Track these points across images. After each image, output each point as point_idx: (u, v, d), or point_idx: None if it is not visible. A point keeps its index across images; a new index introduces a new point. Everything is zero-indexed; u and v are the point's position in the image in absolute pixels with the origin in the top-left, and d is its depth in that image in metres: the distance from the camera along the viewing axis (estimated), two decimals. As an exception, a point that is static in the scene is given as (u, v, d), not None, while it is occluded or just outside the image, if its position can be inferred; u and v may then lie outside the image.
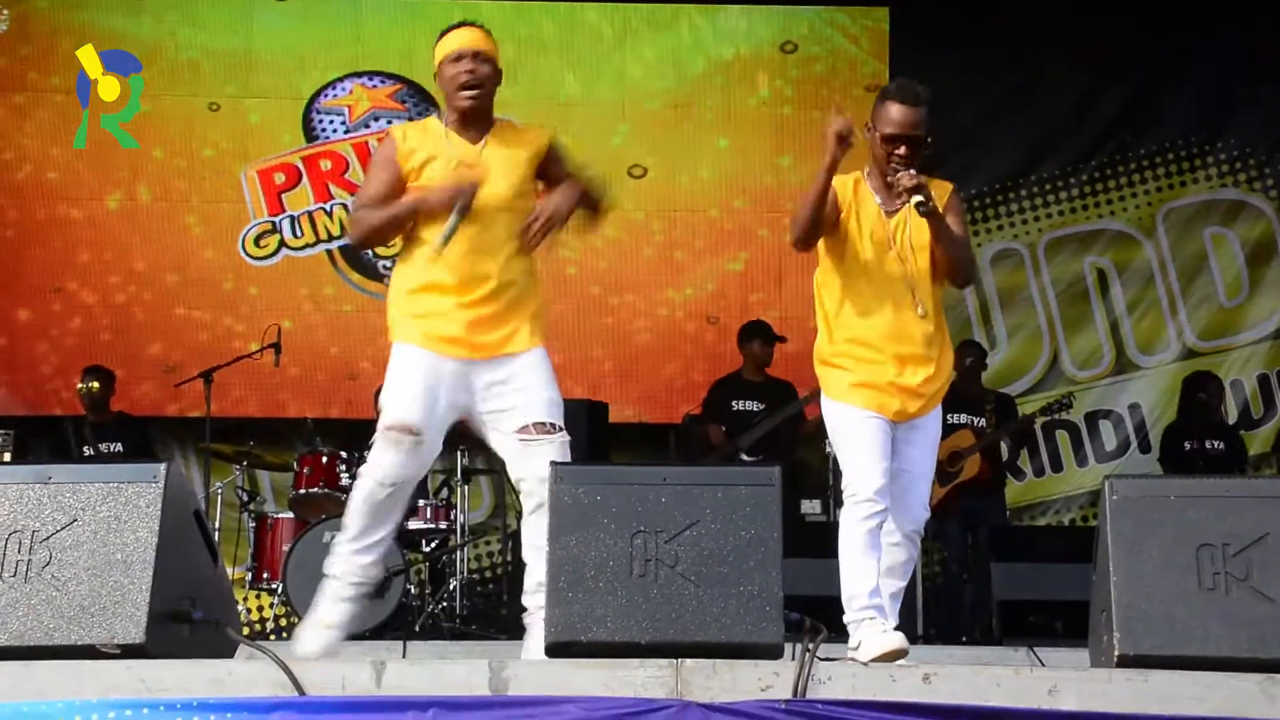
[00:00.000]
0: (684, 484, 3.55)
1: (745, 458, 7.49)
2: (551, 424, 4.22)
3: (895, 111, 4.29)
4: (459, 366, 4.20)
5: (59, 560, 3.39)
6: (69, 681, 3.12)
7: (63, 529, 3.43)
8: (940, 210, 4.23)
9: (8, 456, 7.34)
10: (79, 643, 3.30)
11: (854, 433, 4.22)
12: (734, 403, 7.88)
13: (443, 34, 4.41)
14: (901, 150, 4.27)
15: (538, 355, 4.28)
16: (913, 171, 4.20)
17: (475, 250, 4.22)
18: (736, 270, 9.20)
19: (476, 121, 4.34)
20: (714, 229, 9.27)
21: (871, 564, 4.18)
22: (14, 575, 3.38)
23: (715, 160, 9.31)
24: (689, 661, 3.16)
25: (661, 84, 9.39)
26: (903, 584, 4.36)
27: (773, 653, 3.32)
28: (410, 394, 4.16)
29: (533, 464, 4.13)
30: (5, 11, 9.09)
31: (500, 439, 4.23)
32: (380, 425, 4.17)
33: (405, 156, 4.29)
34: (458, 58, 4.31)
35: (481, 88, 4.31)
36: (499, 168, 4.30)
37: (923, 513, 4.32)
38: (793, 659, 3.21)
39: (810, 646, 3.14)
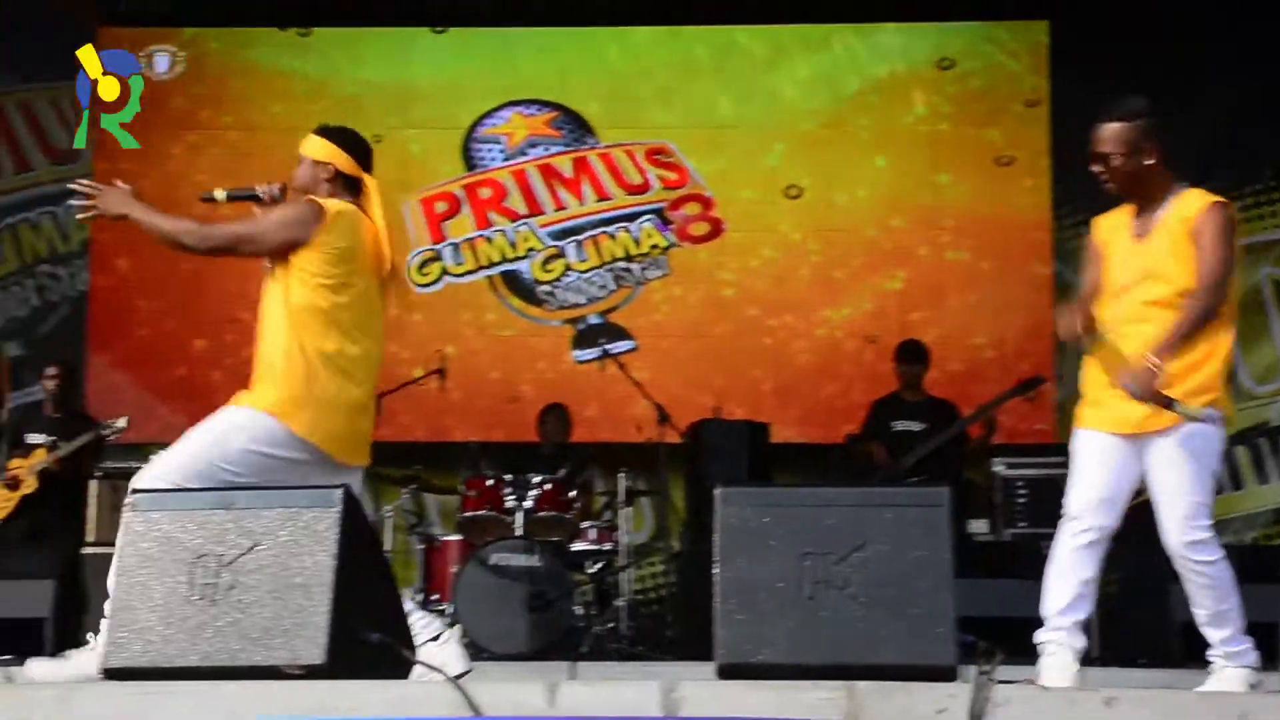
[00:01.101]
0: (852, 505, 3.53)
1: (911, 478, 7.39)
2: None
3: (1094, 129, 4.22)
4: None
5: (243, 584, 3.48)
6: (254, 701, 3.19)
7: (246, 553, 3.53)
8: (1181, 242, 4.12)
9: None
10: (263, 663, 3.38)
11: (1075, 451, 4.23)
12: (894, 423, 7.80)
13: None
14: (1097, 169, 4.20)
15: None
16: (1129, 384, 4.04)
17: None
18: (895, 289, 9.12)
19: None
20: (871, 248, 9.20)
21: (1065, 584, 4.11)
22: (201, 599, 3.48)
23: (872, 179, 9.24)
24: (862, 684, 3.13)
25: (815, 104, 9.36)
26: (1213, 607, 4.20)
27: (947, 675, 3.28)
28: None
29: None
30: (181, 54, 9.42)
31: None
32: None
33: None
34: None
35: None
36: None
37: (1170, 535, 4.13)
38: (968, 682, 3.16)
39: (986, 669, 3.09)
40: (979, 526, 7.40)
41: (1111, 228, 4.32)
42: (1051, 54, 9.14)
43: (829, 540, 3.45)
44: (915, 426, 7.71)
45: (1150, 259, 4.16)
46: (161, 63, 9.48)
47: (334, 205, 4.30)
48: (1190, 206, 4.17)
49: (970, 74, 9.29)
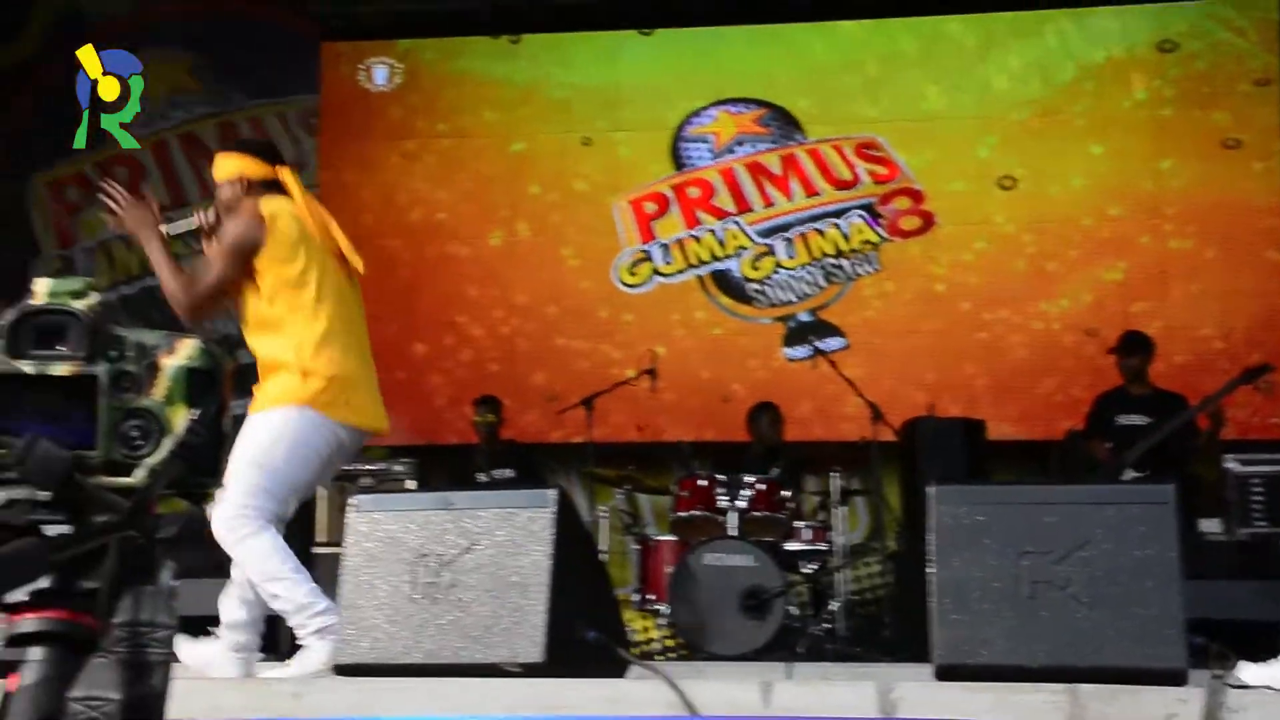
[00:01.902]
0: (1073, 503, 3.44)
1: (1132, 474, 7.16)
2: None
3: None
4: None
5: (462, 583, 3.56)
6: (475, 698, 3.25)
7: (464, 553, 3.60)
8: None
9: (412, 484, 7.74)
10: (483, 661, 3.45)
11: None
12: (1118, 417, 7.56)
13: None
14: None
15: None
16: None
17: None
18: (1115, 280, 8.85)
19: None
20: (1089, 238, 8.94)
21: None
22: (423, 597, 3.57)
23: (1088, 167, 8.99)
24: (1086, 687, 3.05)
25: (1028, 92, 9.14)
26: None
27: (1176, 679, 3.17)
28: None
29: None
30: (399, 65, 9.70)
31: None
32: None
33: None
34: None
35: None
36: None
37: None
38: (1199, 687, 3.04)
39: (1220, 673, 2.98)
40: (1210, 526, 7.11)
41: None
42: (1283, 29, 8.77)
43: (1048, 539, 3.37)
44: (1140, 421, 7.46)
45: None
46: (380, 75, 9.81)
47: (265, 206, 4.37)
48: None
49: (1194, 55, 8.97)
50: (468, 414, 8.65)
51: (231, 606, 4.18)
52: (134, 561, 1.17)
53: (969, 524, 3.43)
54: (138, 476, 1.20)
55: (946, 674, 3.32)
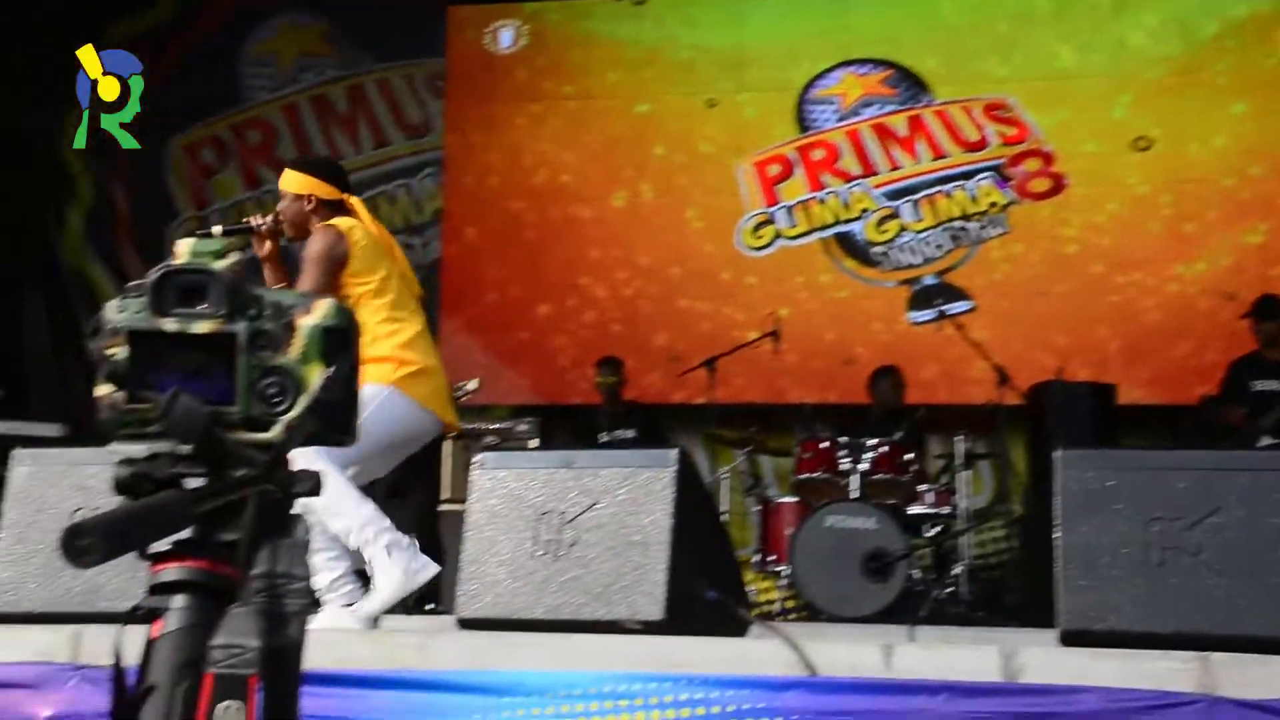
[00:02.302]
0: (1204, 468, 3.38)
1: (1268, 440, 6.99)
2: None
3: None
4: None
5: (584, 540, 3.60)
6: (597, 654, 3.29)
7: (586, 510, 3.64)
8: None
9: (534, 443, 7.83)
10: (604, 618, 3.49)
11: None
12: (1254, 383, 7.39)
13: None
14: None
15: None
16: None
17: None
18: (1256, 242, 8.61)
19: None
20: (1228, 199, 8.71)
21: None
22: (545, 554, 3.62)
23: (1229, 127, 8.74)
24: (1217, 655, 3.00)
25: (1165, 50, 8.91)
26: None
27: (1311, 649, 3.10)
28: None
29: None
30: (524, 27, 9.75)
31: None
32: None
33: None
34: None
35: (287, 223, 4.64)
36: None
37: None
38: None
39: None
40: (1347, 493, 6.91)
41: None
42: None
43: (1179, 505, 3.32)
44: (1277, 386, 7.29)
45: None
46: (505, 37, 9.86)
47: (341, 223, 4.52)
48: None
49: (1346, 8, 8.68)
50: (590, 375, 8.71)
51: (324, 571, 4.27)
52: (271, 515, 1.20)
53: (1097, 489, 3.39)
54: (275, 432, 1.24)
55: (1072, 639, 3.29)
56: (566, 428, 8.77)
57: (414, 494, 7.94)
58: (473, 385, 7.95)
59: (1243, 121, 8.71)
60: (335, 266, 4.46)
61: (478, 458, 3.92)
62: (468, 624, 3.63)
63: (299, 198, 4.61)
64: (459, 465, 7.32)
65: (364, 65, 10.10)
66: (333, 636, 3.51)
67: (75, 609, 3.67)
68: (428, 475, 8.05)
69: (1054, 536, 3.40)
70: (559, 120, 9.60)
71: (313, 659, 3.26)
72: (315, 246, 4.48)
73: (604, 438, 8.29)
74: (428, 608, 6.49)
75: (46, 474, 3.97)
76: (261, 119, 10.14)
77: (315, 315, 1.26)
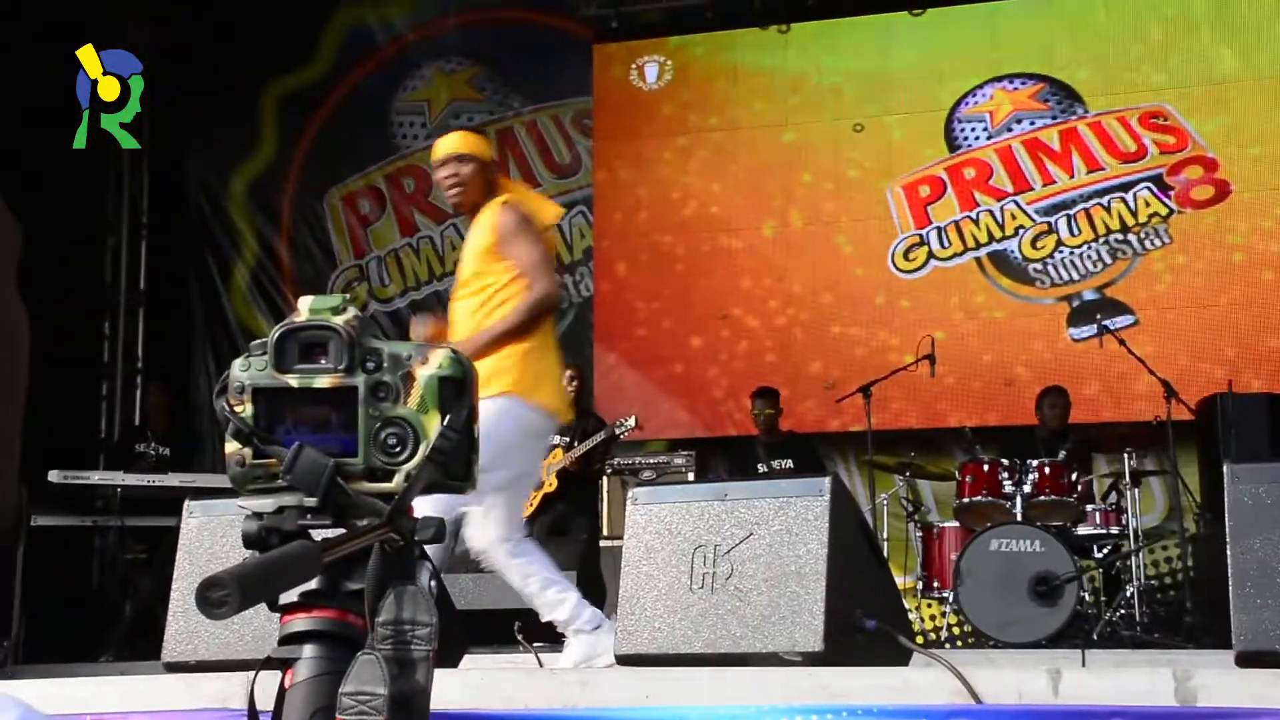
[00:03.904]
0: (1383, 480, 3.23)
1: None
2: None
3: None
4: None
5: (739, 572, 3.58)
6: (756, 687, 3.26)
7: (741, 542, 3.62)
8: None
9: (692, 476, 7.83)
10: (763, 650, 3.46)
11: None
12: None
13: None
14: None
15: None
16: None
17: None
18: None
19: (471, 214, 4.58)
20: (1406, 199, 8.38)
21: None
22: (702, 587, 3.61)
23: (1403, 122, 8.43)
24: (1401, 675, 2.86)
25: (1336, 47, 8.64)
26: None
27: None
28: None
29: None
30: (669, 62, 9.82)
31: None
32: None
33: None
34: (439, 164, 4.62)
35: (461, 187, 4.56)
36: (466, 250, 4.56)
37: None
38: None
39: None
40: None
41: None
42: None
43: (1357, 519, 3.18)
44: None
45: None
46: (651, 73, 9.95)
47: (511, 196, 4.55)
48: None
49: None
50: (746, 405, 8.69)
51: (558, 607, 4.34)
52: (395, 562, 1.22)
53: (1270, 503, 3.27)
54: (396, 481, 1.26)
55: (1249, 660, 3.18)
56: (723, 460, 8.76)
57: (575, 531, 8.01)
58: (631, 422, 7.98)
59: None
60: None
61: (633, 493, 3.93)
62: (626, 660, 3.64)
63: (489, 163, 4.61)
64: (617, 501, 7.36)
65: (513, 107, 10.26)
66: (495, 675, 3.54)
67: (248, 656, 3.75)
68: (587, 511, 8.12)
69: (1227, 554, 3.29)
70: (706, 152, 9.64)
71: (474, 699, 3.29)
72: (522, 237, 4.45)
73: (761, 468, 8.26)
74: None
75: (216, 524, 4.07)
76: (415, 166, 10.36)
77: (431, 365, 1.28)
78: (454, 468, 1.26)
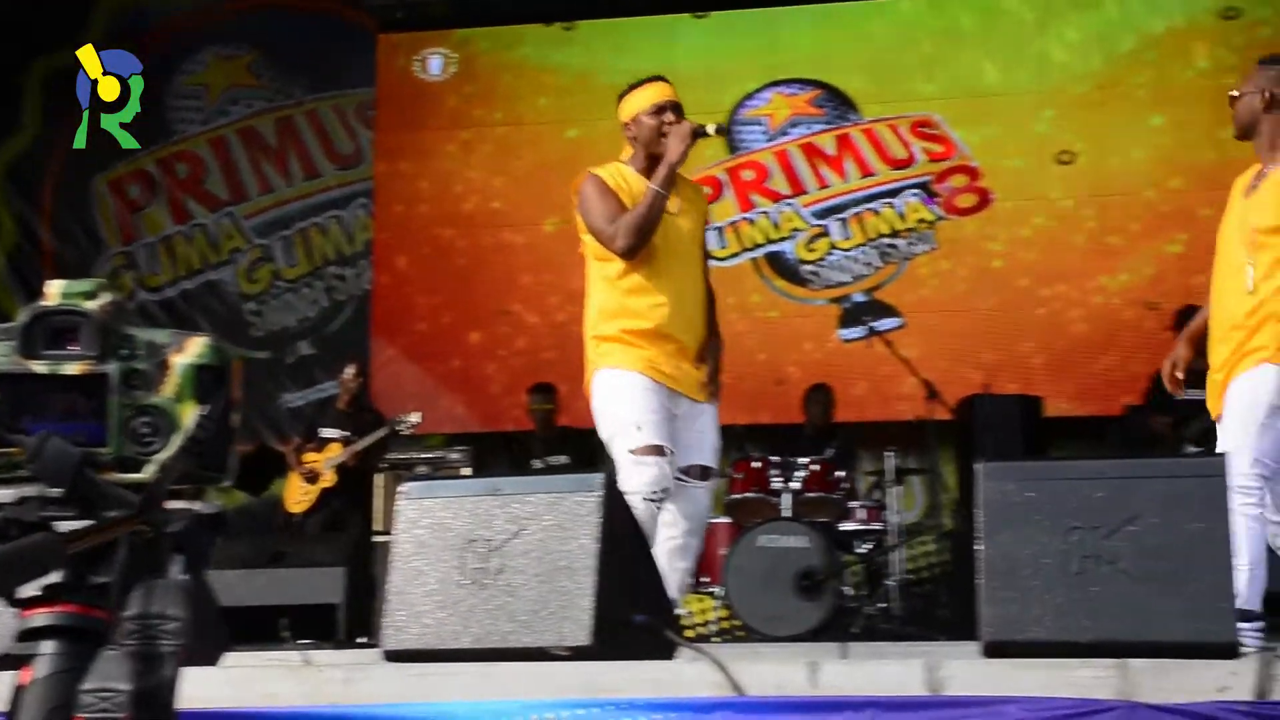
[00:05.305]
0: (1122, 477, 3.41)
1: (1192, 448, 7.08)
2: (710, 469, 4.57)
3: None
4: (672, 395, 4.50)
5: (510, 567, 3.58)
6: (525, 682, 3.27)
7: (513, 538, 3.63)
8: None
9: (467, 471, 7.81)
10: (532, 645, 3.48)
11: None
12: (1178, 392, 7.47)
13: (636, 85, 4.63)
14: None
15: (715, 411, 4.65)
16: None
17: (674, 287, 4.51)
18: (1176, 253, 8.74)
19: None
20: (1149, 211, 8.84)
21: None
22: (472, 583, 3.60)
23: (1149, 140, 8.89)
24: (1136, 661, 3.02)
25: (1087, 65, 9.04)
26: None
27: (1228, 652, 3.14)
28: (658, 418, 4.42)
29: (684, 503, 4.48)
30: (454, 55, 9.76)
31: None
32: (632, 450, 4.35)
33: (617, 189, 4.48)
34: (660, 109, 4.52)
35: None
36: (691, 213, 4.59)
37: None
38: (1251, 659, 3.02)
39: (1273, 646, 2.95)
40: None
41: None
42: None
43: (1097, 514, 3.34)
44: (1200, 395, 7.35)
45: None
46: (435, 65, 9.87)
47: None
48: None
49: (1258, 22, 8.84)
50: (523, 401, 8.69)
51: None
52: (144, 556, 1.20)
53: (1018, 500, 3.42)
54: (148, 472, 1.23)
55: (995, 651, 3.31)
56: (500, 455, 8.75)
57: (348, 525, 7.92)
58: (414, 418, 7.92)
59: (1161, 134, 8.86)
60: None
61: (403, 487, 3.90)
62: (394, 656, 3.61)
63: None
64: (390, 497, 7.30)
65: (293, 96, 10.07)
66: (255, 673, 3.48)
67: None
68: (361, 506, 8.03)
69: (976, 548, 3.42)
70: (489, 147, 9.61)
71: (236, 697, 3.23)
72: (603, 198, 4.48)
73: (537, 464, 8.27)
74: (359, 641, 6.45)
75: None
76: (189, 152, 10.09)
77: (189, 353, 1.26)
78: (210, 458, 1.24)
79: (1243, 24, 8.85)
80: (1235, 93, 4.28)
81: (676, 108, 4.52)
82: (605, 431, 4.53)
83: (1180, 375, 4.21)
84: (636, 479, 4.33)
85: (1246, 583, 3.95)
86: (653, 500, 4.33)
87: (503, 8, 9.71)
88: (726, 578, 6.93)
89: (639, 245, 4.44)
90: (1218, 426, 4.16)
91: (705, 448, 4.54)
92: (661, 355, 4.49)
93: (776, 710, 3.11)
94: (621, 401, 4.46)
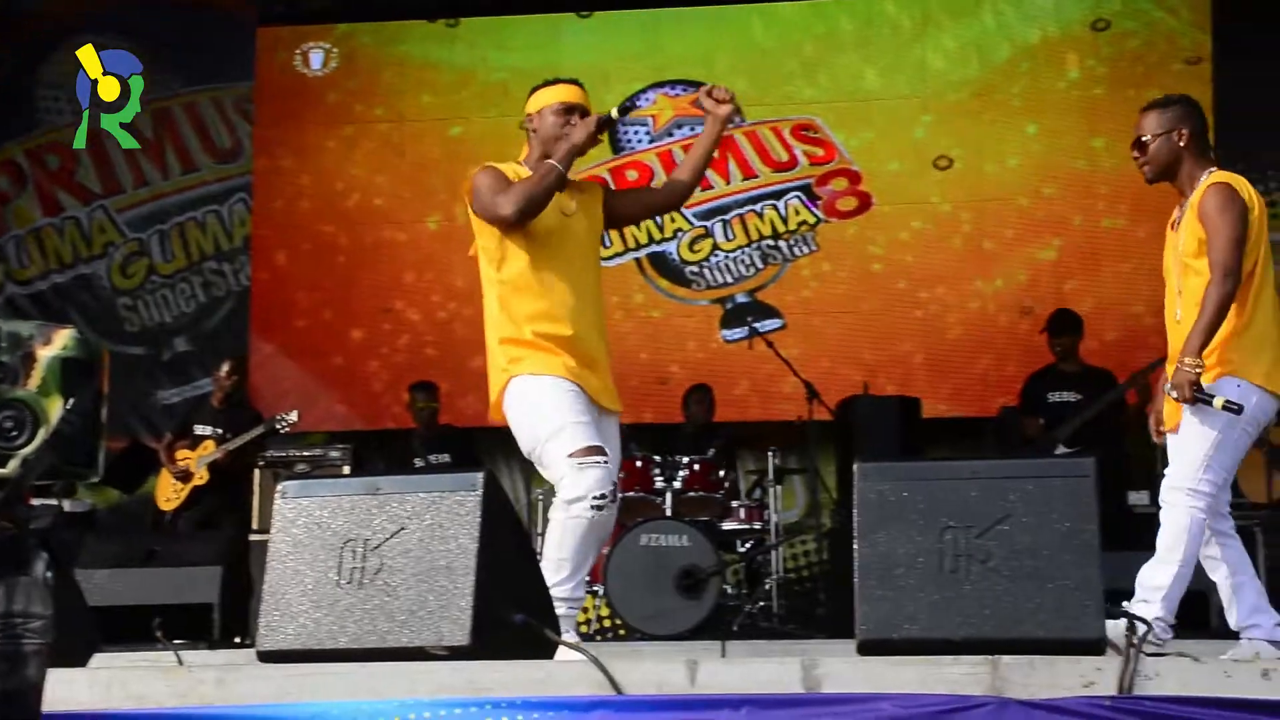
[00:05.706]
0: (993, 477, 3.47)
1: (1063, 449, 7.25)
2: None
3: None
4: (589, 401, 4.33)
5: (389, 567, 3.55)
6: (402, 682, 3.25)
7: (392, 537, 3.60)
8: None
9: (347, 470, 7.74)
10: (410, 645, 3.45)
11: None
12: (1049, 394, 7.65)
13: (551, 82, 4.54)
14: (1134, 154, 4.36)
15: (617, 421, 4.45)
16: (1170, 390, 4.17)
17: (575, 291, 4.34)
18: (1049, 259, 8.93)
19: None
20: (1024, 217, 9.02)
21: None
22: (349, 582, 3.56)
23: (1023, 147, 9.07)
24: (1006, 658, 3.08)
25: (964, 73, 9.20)
26: None
27: (1094, 648, 3.21)
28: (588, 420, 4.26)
29: None
30: (335, 50, 9.65)
31: None
32: (570, 454, 4.17)
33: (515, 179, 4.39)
34: (568, 110, 4.43)
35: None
36: (585, 215, 4.45)
37: None
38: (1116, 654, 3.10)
39: (1136, 642, 3.03)
40: (1140, 498, 7.21)
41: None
42: (1214, 9, 8.83)
43: (970, 513, 3.40)
44: (1072, 397, 7.56)
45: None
46: (316, 59, 9.75)
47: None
48: (1200, 190, 4.24)
49: (1127, 34, 9.05)
50: (405, 399, 8.63)
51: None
52: (7, 552, 1.17)
53: (894, 500, 3.46)
54: (10, 467, 1.20)
55: (870, 649, 3.35)
56: (381, 453, 8.68)
57: (223, 524, 7.80)
58: (292, 417, 7.82)
59: (1035, 142, 9.04)
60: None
61: (280, 487, 3.84)
62: (267, 657, 3.56)
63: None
64: (269, 494, 7.19)
65: (171, 88, 9.88)
66: (122, 674, 3.41)
67: None
68: (237, 504, 7.91)
69: (853, 547, 3.47)
70: (371, 143, 9.52)
71: (106, 698, 3.16)
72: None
73: (419, 462, 8.22)
74: (235, 641, 6.36)
75: None
76: (60, 143, 9.85)
77: (55, 346, 1.23)
78: (77, 454, 1.22)
79: (1111, 35, 9.07)
80: (1145, 137, 4.30)
81: (584, 113, 4.47)
82: (530, 440, 4.30)
83: (1164, 429, 4.27)
84: (582, 484, 4.13)
85: (1173, 579, 4.06)
86: (599, 507, 4.13)
87: (385, 3, 9.63)
88: (608, 576, 6.94)
89: (528, 213, 4.25)
90: (1169, 438, 4.22)
91: (615, 459, 4.31)
92: (574, 359, 4.32)
93: (655, 709, 3.12)
94: (546, 406, 4.27)
